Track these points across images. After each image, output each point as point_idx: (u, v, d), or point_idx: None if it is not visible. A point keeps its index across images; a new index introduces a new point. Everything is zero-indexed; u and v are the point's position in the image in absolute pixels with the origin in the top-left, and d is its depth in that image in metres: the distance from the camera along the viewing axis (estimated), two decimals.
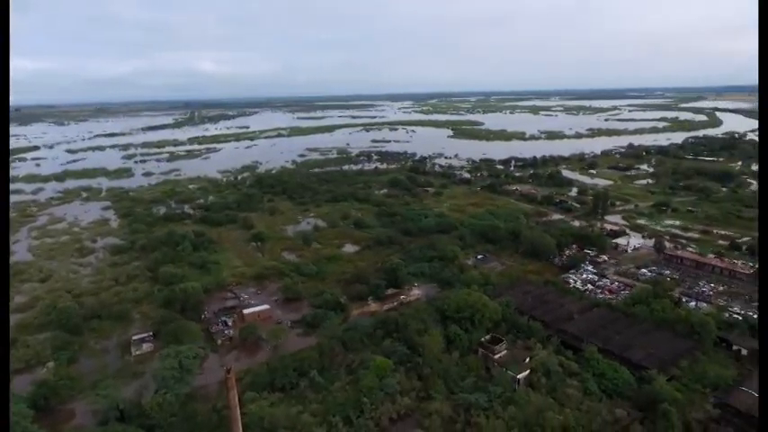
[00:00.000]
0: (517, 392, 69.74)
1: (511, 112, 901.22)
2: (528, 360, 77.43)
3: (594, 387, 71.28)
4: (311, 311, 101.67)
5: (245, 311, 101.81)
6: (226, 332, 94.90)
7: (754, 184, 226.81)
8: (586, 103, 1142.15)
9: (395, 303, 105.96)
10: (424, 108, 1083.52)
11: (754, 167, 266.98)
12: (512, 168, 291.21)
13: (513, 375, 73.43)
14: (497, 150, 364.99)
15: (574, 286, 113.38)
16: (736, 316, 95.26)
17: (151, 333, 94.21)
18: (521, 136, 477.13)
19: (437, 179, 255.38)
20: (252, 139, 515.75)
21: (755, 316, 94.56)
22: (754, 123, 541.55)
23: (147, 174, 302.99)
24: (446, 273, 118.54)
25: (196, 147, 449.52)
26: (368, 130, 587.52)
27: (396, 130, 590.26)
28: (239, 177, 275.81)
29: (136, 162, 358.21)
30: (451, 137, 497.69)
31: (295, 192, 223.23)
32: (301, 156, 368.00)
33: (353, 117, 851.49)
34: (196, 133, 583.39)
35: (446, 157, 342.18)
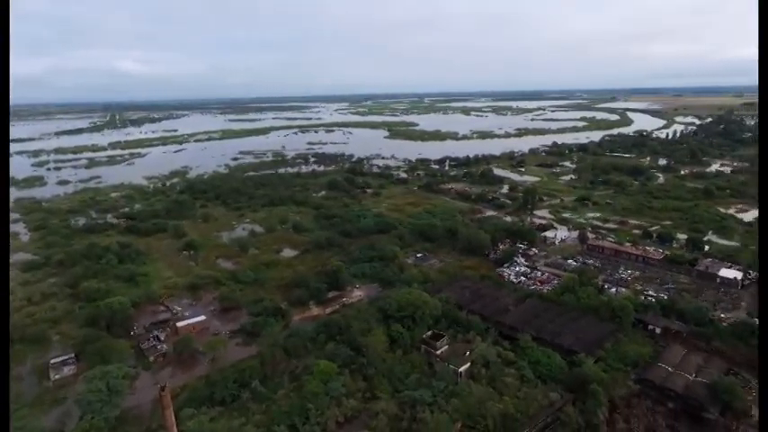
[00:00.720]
0: (459, 385, 71.85)
1: (444, 113, 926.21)
2: (468, 353, 80.00)
3: (530, 374, 75.09)
4: (250, 320, 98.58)
5: (179, 324, 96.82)
6: (158, 348, 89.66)
7: (661, 178, 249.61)
8: (514, 104, 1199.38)
9: (337, 306, 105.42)
10: (360, 109, 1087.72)
11: (661, 162, 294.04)
12: (446, 167, 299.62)
13: (454, 369, 75.55)
14: (432, 150, 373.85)
15: (508, 279, 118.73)
16: (650, 298, 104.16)
17: (73, 354, 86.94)
18: (454, 136, 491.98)
19: (375, 180, 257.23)
20: (180, 142, 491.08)
21: (666, 297, 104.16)
22: (659, 122, 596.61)
23: (63, 182, 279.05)
24: (387, 272, 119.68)
25: (118, 152, 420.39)
26: (304, 132, 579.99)
27: (332, 131, 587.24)
28: (168, 183, 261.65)
29: (49, 170, 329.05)
30: (388, 137, 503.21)
31: (229, 197, 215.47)
32: (235, 159, 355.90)
33: (289, 119, 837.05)
34: (118, 137, 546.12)
35: (383, 158, 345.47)
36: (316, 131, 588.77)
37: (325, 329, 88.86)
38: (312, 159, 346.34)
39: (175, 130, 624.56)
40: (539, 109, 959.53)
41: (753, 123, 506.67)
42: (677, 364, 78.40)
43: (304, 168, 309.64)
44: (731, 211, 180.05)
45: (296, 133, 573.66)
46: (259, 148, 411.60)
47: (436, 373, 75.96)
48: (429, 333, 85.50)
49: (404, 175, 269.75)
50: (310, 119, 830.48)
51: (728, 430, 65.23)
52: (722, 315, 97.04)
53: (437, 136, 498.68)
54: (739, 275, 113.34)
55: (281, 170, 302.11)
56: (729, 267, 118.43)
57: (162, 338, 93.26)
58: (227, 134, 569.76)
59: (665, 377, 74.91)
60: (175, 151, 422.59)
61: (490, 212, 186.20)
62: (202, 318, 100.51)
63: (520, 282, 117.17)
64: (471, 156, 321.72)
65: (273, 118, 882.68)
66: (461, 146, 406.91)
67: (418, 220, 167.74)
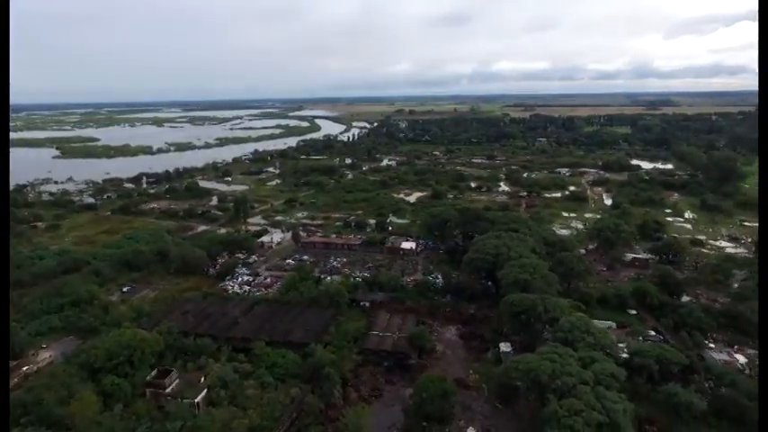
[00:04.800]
0: (198, 417, 66.56)
1: (131, 126, 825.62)
2: (203, 379, 74.91)
3: (270, 378, 76.19)
4: None
5: None
6: None
7: (350, 175, 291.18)
8: (210, 113, 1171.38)
9: (15, 380, 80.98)
10: (12, 124, 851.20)
11: (347, 161, 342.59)
12: (144, 185, 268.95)
13: (190, 401, 69.49)
14: (123, 167, 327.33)
15: (233, 291, 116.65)
16: (358, 279, 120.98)
17: None
18: (148, 150, 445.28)
19: (49, 210, 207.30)
20: None
21: (369, 275, 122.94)
22: (341, 127, 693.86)
23: None
24: (85, 319, 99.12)
25: None
26: None
27: None
28: None
29: None
30: (59, 157, 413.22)
31: None
32: None
33: None
34: None
35: (57, 182, 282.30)
36: None
37: None
38: None
39: None
40: (236, 118, 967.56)
41: (404, 126, 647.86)
42: (385, 327, 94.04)
43: None
44: (401, 195, 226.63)
45: None
46: None
47: (169, 414, 68.07)
48: (154, 373, 75.72)
49: (90, 200, 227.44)
50: None
51: (424, 367, 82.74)
52: (408, 279, 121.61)
53: (126, 151, 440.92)
54: (414, 245, 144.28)
55: None
56: (407, 240, 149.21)
57: None
58: None
59: (378, 341, 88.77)
60: None
61: (203, 227, 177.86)
62: None
63: (245, 291, 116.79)
64: (172, 170, 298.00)
65: None
66: (158, 160, 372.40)
67: (118, 248, 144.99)
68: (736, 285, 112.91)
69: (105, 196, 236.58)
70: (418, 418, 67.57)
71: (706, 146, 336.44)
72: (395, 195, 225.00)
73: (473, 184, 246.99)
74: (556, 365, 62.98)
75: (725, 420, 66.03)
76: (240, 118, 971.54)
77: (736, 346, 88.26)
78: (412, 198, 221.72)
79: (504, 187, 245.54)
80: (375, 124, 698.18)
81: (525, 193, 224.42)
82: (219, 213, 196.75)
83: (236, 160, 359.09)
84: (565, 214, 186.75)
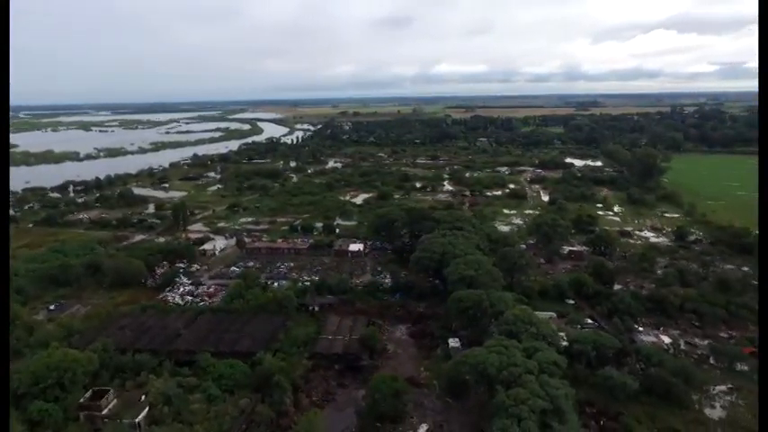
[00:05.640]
0: None
1: (54, 130, 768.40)
2: (144, 397, 70.88)
3: (217, 391, 73.26)
4: None
5: None
6: None
7: (295, 178, 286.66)
8: (143, 117, 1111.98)
9: None
10: None
11: (292, 164, 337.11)
12: (72, 194, 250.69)
13: (130, 422, 65.57)
14: (46, 175, 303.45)
15: (174, 302, 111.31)
16: (306, 283, 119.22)
17: None
18: (74, 156, 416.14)
19: None
20: None
21: (317, 278, 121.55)
22: (284, 130, 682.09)
23: None
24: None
25: None
26: None
27: None
28: None
29: None
30: None
31: None
32: None
33: None
34: None
35: None
36: None
37: None
38: None
39: None
40: (172, 121, 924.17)
41: (348, 128, 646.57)
42: (335, 330, 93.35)
43: None
44: (348, 197, 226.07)
45: None
46: None
47: None
48: (88, 394, 70.70)
49: (11, 212, 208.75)
50: None
51: (375, 368, 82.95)
52: (357, 281, 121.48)
53: (50, 157, 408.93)
54: (362, 246, 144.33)
55: None
56: (355, 242, 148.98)
57: None
58: None
59: (329, 345, 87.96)
60: None
61: (139, 236, 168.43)
62: None
63: (187, 302, 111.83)
64: (102, 177, 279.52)
65: None
66: (87, 167, 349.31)
67: (42, 263, 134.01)
68: (659, 272, 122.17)
69: (26, 207, 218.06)
70: (371, 419, 67.66)
71: (630, 144, 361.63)
72: (341, 197, 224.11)
73: (418, 185, 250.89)
74: (502, 357, 65.27)
75: (654, 397, 71.30)
76: (176, 121, 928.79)
77: (661, 328, 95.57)
78: (358, 200, 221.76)
79: (447, 187, 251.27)
80: (319, 126, 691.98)
81: (468, 192, 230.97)
82: (157, 221, 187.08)
83: (173, 165, 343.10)
84: (506, 211, 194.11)
